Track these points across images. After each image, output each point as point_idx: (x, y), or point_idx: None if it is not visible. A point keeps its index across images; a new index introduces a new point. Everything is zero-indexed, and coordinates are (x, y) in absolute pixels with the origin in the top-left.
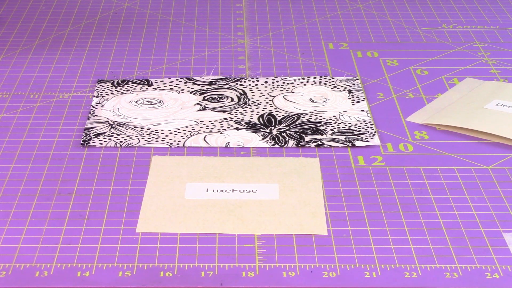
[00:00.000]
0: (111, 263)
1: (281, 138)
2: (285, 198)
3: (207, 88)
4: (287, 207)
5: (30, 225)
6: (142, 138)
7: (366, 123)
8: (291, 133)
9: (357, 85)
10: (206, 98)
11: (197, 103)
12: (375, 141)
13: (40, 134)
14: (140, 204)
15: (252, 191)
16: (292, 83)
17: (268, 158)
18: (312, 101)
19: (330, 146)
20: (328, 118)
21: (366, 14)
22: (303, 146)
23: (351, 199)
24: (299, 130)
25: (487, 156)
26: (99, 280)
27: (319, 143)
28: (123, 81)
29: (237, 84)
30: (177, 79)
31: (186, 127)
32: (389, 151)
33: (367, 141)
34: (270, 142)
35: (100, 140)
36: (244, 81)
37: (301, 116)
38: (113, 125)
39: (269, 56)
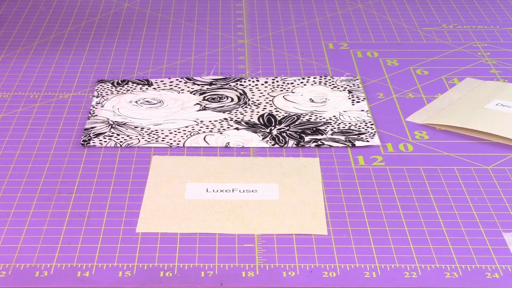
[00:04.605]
0: (111, 263)
1: (281, 138)
2: (285, 198)
3: (207, 88)
4: (287, 207)
5: (30, 225)
6: (142, 138)
7: (366, 123)
8: (291, 133)
9: (357, 85)
10: (206, 98)
11: (197, 103)
12: (375, 141)
13: (40, 134)
14: (140, 204)
15: (252, 191)
16: (292, 83)
17: (268, 158)
18: (312, 101)
19: (330, 146)
20: (328, 118)
21: (366, 14)
22: (303, 146)
23: (351, 199)
24: (299, 130)
25: (487, 156)
26: (99, 280)
27: (319, 143)
28: (123, 81)
29: (237, 84)
30: (177, 79)
31: (186, 127)
32: (389, 151)
33: (367, 141)
34: (270, 142)
35: (100, 140)
36: (244, 81)
37: (301, 116)
38: (113, 125)
39: (269, 56)
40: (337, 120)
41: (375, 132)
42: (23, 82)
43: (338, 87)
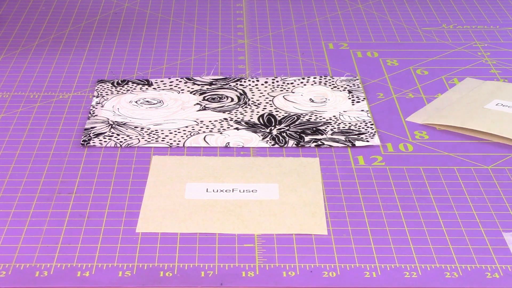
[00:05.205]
0: (111, 263)
1: (281, 138)
2: (285, 198)
3: (207, 88)
4: (287, 207)
5: (30, 225)
6: (142, 138)
7: (366, 123)
8: (291, 133)
9: (357, 85)
10: (206, 98)
11: (197, 103)
12: (375, 141)
13: (40, 134)
14: (140, 204)
15: (252, 191)
16: (292, 83)
17: (268, 158)
18: (312, 101)
19: (330, 146)
20: (328, 118)
21: (366, 14)
22: (303, 146)
23: (351, 199)
24: (299, 130)
25: (487, 156)
26: (99, 280)
27: (319, 143)
28: (123, 81)
29: (237, 84)
30: (177, 79)
31: (186, 127)
32: (389, 151)
33: (367, 141)
34: (270, 142)
35: (100, 140)
36: (244, 81)
37: (301, 116)
38: (113, 125)
39: (269, 56)
40: (337, 120)
41: (375, 132)
42: (23, 82)
43: (338, 87)
